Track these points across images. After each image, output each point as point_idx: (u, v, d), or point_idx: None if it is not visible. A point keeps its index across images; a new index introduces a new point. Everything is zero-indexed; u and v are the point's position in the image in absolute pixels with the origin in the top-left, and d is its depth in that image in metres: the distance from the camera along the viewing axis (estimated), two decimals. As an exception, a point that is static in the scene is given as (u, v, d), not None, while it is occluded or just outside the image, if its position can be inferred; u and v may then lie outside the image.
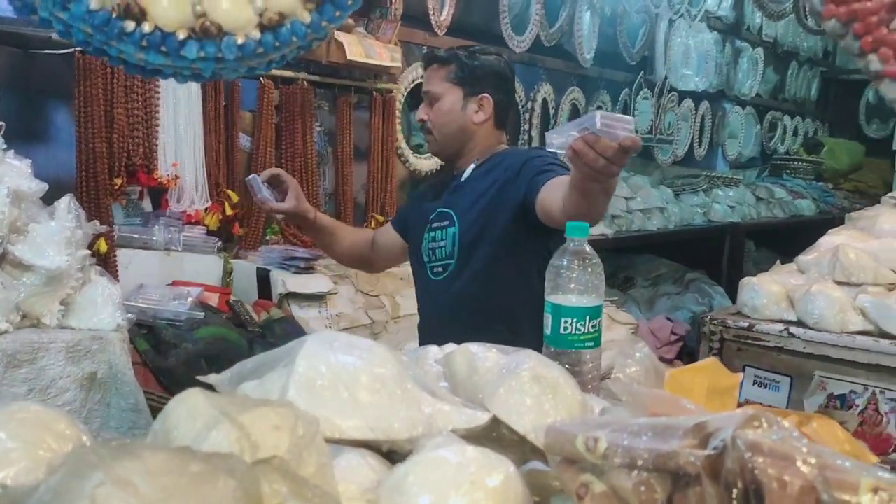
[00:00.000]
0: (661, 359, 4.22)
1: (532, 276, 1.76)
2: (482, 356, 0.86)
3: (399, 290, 2.82)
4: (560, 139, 1.22)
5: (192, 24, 0.65)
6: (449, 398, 0.84)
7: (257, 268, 2.62)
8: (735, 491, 0.55)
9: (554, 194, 1.56)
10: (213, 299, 2.44)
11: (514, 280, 1.81)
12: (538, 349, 1.56)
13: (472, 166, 1.89)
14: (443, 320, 1.85)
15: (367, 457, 0.70)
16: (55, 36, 2.26)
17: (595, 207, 1.44)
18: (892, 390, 1.94)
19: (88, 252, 1.85)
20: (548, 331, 1.19)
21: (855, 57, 0.75)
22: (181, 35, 0.65)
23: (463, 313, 1.81)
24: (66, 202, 1.82)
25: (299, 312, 2.50)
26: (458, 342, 0.96)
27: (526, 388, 0.79)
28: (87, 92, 2.34)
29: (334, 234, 2.05)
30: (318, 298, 2.57)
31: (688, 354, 3.85)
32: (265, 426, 0.60)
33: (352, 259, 2.15)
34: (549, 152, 1.70)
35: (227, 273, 2.71)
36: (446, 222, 1.86)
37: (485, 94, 1.87)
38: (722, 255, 4.96)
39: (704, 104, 5.72)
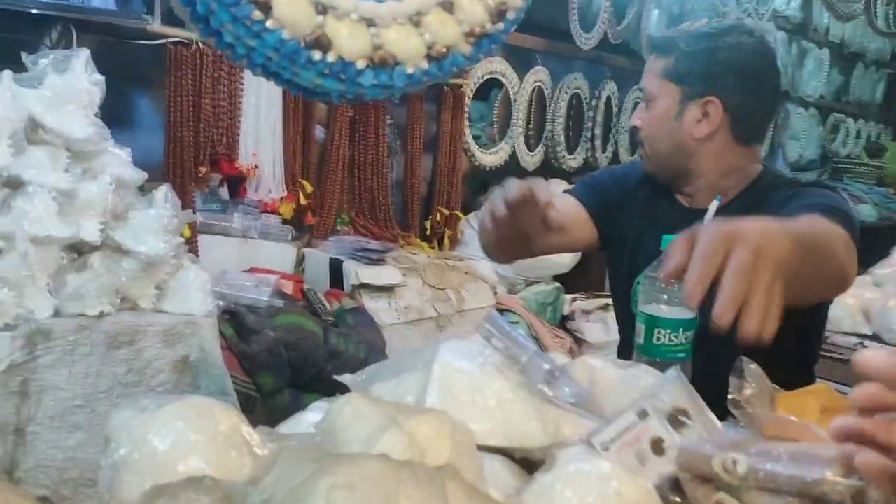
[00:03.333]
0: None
1: (790, 357, 1.30)
2: (601, 369, 0.90)
3: (464, 285, 2.87)
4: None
5: (369, 54, 0.70)
6: (568, 407, 0.88)
7: (330, 258, 2.69)
8: (877, 520, 0.58)
9: None
10: (289, 287, 2.52)
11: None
12: None
13: (716, 203, 1.34)
14: None
15: (505, 464, 0.75)
16: (149, 27, 2.35)
17: (807, 290, 0.99)
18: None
19: (183, 239, 1.93)
20: (640, 340, 1.23)
21: None
22: (360, 64, 0.70)
23: None
24: (163, 191, 1.90)
25: (370, 303, 2.56)
26: None
27: (647, 403, 0.83)
28: (176, 82, 2.43)
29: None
30: (387, 290, 2.63)
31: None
32: (428, 432, 0.65)
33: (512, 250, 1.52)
34: (830, 190, 1.35)
35: (299, 261, 2.79)
36: None
37: (711, 97, 1.38)
38: (780, 259, 4.89)
39: (768, 105, 5.64)
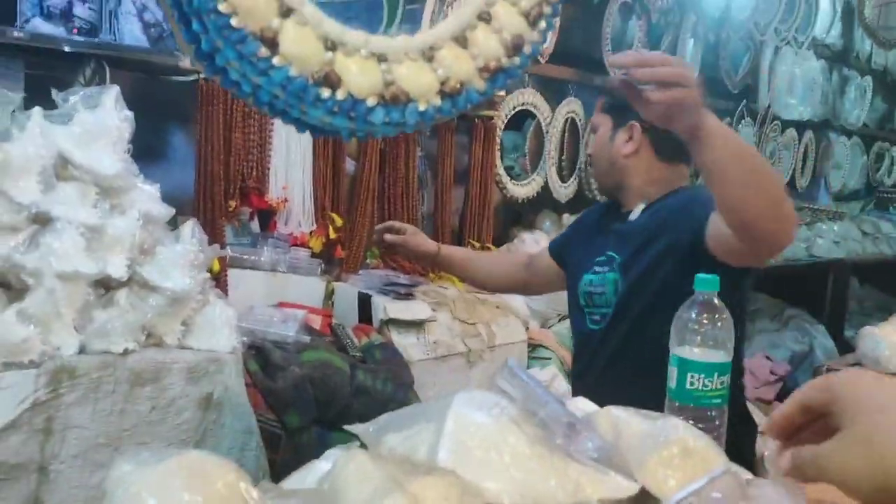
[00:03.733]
0: (759, 399, 4.03)
1: None
2: (626, 420, 0.85)
3: (495, 319, 2.82)
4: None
5: (380, 91, 0.67)
6: (589, 462, 0.83)
7: (358, 292, 2.66)
8: None
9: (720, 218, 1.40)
10: (317, 322, 2.49)
11: None
12: None
13: (641, 206, 1.71)
14: (598, 371, 1.70)
15: (520, 526, 0.70)
16: (182, 63, 2.38)
17: (741, 192, 1.28)
18: None
19: (209, 275, 1.92)
20: (672, 384, 1.17)
21: None
22: (371, 102, 0.67)
23: (620, 367, 1.64)
24: (190, 226, 1.90)
25: (398, 338, 2.52)
26: (613, 396, 0.95)
27: (676, 460, 0.78)
28: (207, 116, 2.44)
29: (468, 266, 2.08)
30: (416, 325, 2.59)
31: (787, 395, 3.68)
32: (434, 496, 0.61)
33: (501, 285, 2.15)
34: None
35: (329, 295, 2.76)
36: (607, 267, 1.70)
37: (633, 122, 1.69)
38: (825, 291, 4.76)
39: (808, 133, 5.53)
